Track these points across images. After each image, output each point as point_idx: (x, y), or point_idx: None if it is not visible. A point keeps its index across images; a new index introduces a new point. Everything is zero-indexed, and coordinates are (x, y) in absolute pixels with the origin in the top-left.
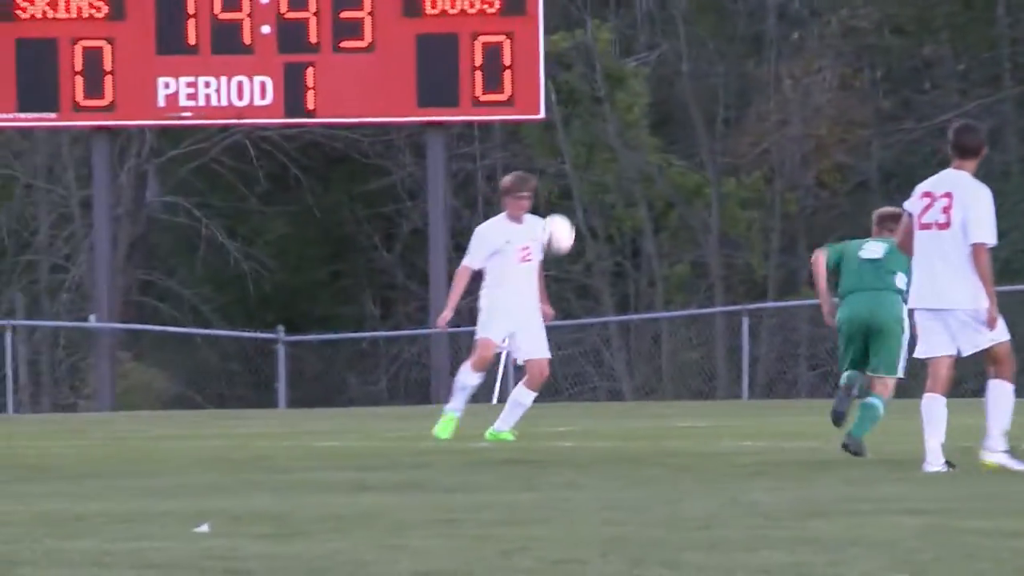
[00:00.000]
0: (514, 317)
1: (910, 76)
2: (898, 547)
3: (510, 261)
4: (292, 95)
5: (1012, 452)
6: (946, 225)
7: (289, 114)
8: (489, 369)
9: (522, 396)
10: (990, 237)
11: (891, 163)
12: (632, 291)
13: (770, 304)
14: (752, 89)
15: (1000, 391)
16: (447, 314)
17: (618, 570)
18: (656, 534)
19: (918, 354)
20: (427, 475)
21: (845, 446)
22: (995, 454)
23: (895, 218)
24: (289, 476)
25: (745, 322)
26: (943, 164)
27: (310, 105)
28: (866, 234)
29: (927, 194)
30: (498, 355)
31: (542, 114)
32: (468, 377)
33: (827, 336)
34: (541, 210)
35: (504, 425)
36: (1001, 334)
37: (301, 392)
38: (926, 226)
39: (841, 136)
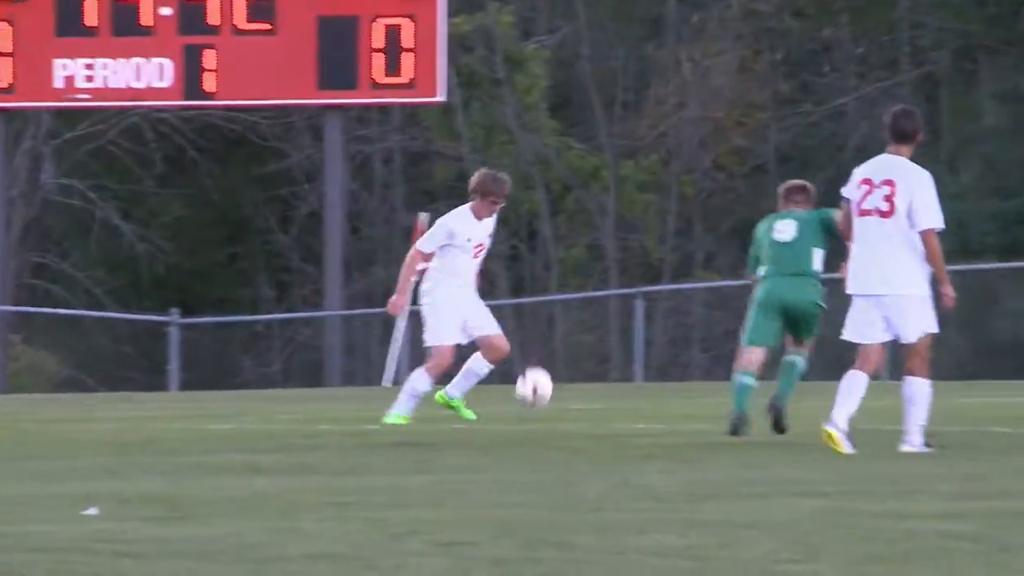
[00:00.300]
0: (462, 308)
1: (809, 59)
2: (791, 529)
3: (466, 257)
4: (191, 77)
5: (929, 439)
6: (889, 213)
7: (188, 96)
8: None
9: (479, 366)
10: (939, 222)
11: (788, 146)
12: (527, 274)
13: (665, 287)
14: (651, 72)
15: (914, 386)
16: (400, 300)
17: (509, 552)
18: (548, 516)
19: (851, 337)
20: (319, 458)
21: (771, 408)
22: (912, 447)
23: (802, 190)
24: (180, 459)
25: (639, 305)
26: (841, 148)
27: (209, 88)
28: (764, 217)
29: (866, 180)
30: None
31: (442, 97)
32: (422, 383)
33: (721, 319)
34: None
35: (456, 392)
36: (927, 327)
37: (194, 375)
38: (867, 212)
39: (739, 119)
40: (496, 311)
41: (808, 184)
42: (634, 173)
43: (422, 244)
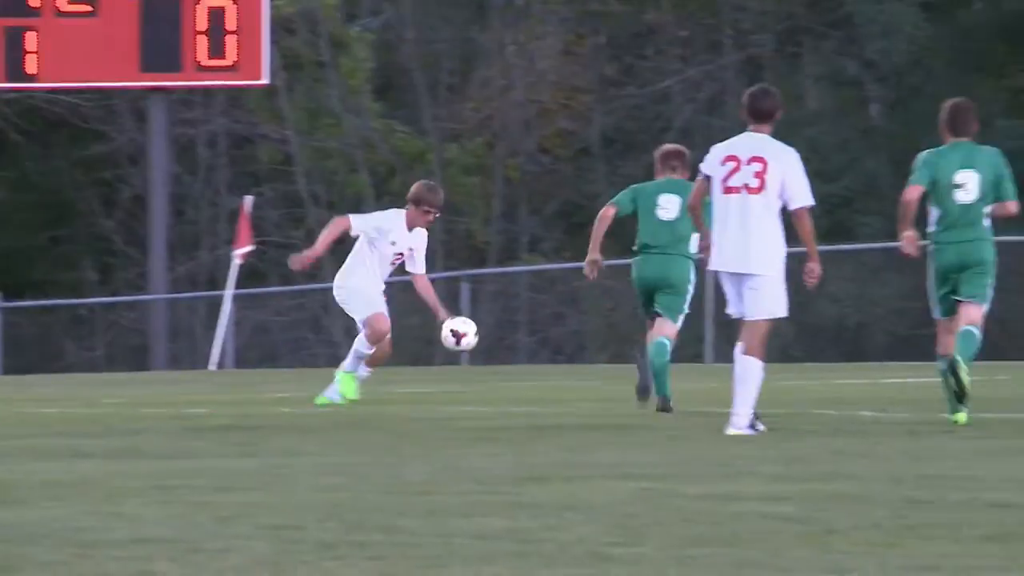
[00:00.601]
0: (375, 288)
1: (633, 42)
2: (615, 512)
3: (384, 257)
4: (12, 59)
5: (756, 419)
6: (759, 189)
7: (10, 79)
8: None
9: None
10: (811, 198)
11: (613, 129)
12: None
13: (490, 270)
14: (476, 55)
15: (747, 367)
16: (311, 255)
17: (335, 536)
18: (374, 500)
19: (735, 313)
20: (144, 441)
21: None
22: (740, 431)
23: (678, 155)
24: (4, 443)
25: (465, 288)
26: (665, 130)
27: (31, 70)
28: (588, 200)
29: (732, 157)
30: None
31: (266, 79)
32: (364, 347)
33: (547, 303)
34: (268, 177)
35: (351, 366)
36: (776, 310)
37: (17, 359)
38: (733, 189)
39: (564, 102)
40: (322, 294)
41: (684, 149)
42: (459, 156)
43: (356, 221)
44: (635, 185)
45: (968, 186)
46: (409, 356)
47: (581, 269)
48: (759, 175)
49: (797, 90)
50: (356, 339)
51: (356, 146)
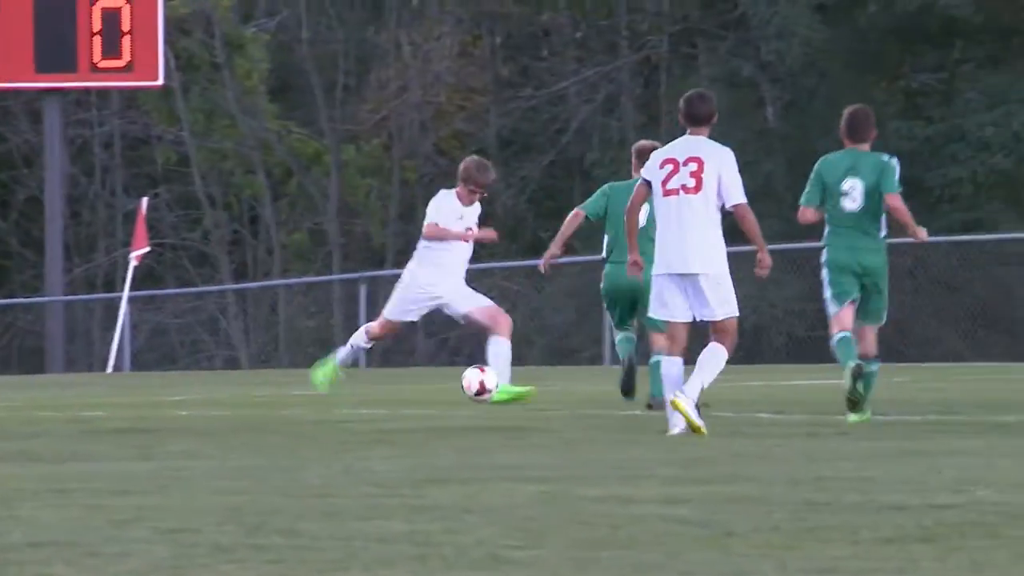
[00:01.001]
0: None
1: (529, 43)
2: (514, 514)
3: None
4: None
5: (699, 408)
6: (696, 189)
7: None
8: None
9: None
10: (745, 196)
11: (509, 130)
12: (250, 259)
13: (388, 272)
14: (372, 56)
15: (715, 352)
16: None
17: (234, 539)
18: (273, 502)
19: (659, 315)
20: (40, 445)
21: (649, 406)
22: (686, 399)
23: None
24: None
25: (363, 290)
26: (561, 131)
27: None
28: (484, 202)
29: (670, 160)
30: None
31: (161, 80)
32: (360, 339)
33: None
34: (164, 178)
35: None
36: (734, 309)
37: None
38: (672, 192)
39: (460, 103)
40: (220, 296)
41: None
42: (356, 158)
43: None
44: (610, 184)
45: (853, 194)
46: (307, 358)
47: (475, 272)
48: (695, 175)
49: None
50: (356, 333)
51: (252, 147)
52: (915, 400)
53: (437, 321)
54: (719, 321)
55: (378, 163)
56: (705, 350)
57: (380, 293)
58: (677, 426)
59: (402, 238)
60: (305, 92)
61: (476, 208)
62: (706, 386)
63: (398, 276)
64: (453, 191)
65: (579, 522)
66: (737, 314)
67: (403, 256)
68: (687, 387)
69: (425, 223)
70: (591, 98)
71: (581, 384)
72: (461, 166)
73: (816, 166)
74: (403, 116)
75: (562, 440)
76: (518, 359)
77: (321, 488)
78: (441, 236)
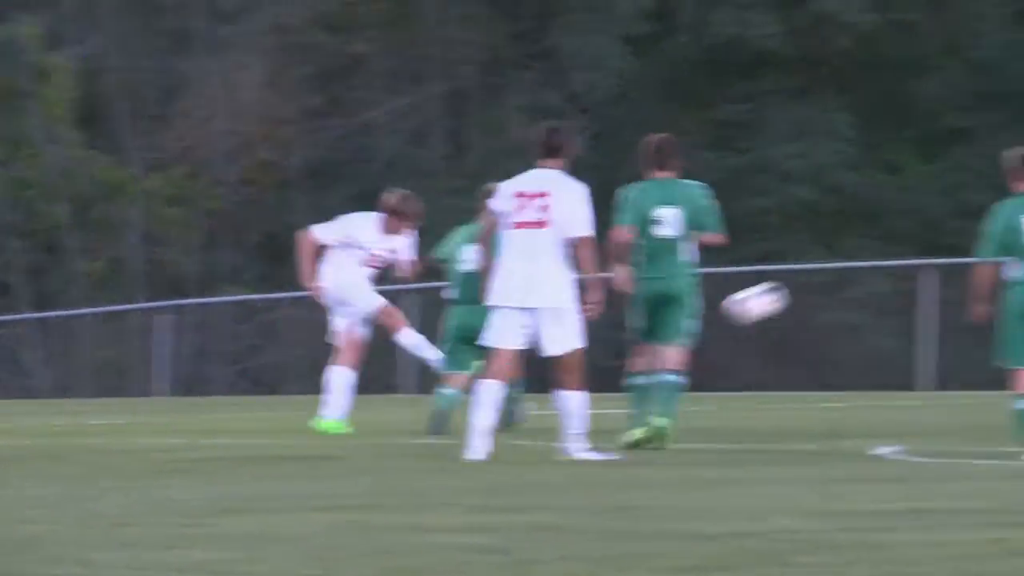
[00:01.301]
0: None
1: (338, 73)
2: (312, 543)
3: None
4: None
5: (596, 448)
6: (543, 223)
7: None
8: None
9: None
10: (592, 230)
11: (317, 160)
12: (50, 288)
13: (190, 301)
14: (179, 85)
15: (569, 399)
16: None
17: (31, 569)
18: (71, 533)
19: (488, 341)
20: None
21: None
22: (584, 454)
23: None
24: None
25: (166, 319)
26: (369, 161)
27: None
28: (290, 231)
29: (520, 194)
30: None
31: None
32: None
33: (244, 333)
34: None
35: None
36: (576, 341)
37: None
38: (521, 224)
39: (267, 133)
40: (17, 326)
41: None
42: (162, 186)
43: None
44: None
45: (667, 222)
46: (105, 388)
47: (281, 301)
48: (544, 208)
49: (500, 122)
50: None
51: (57, 175)
52: (720, 429)
53: (239, 350)
54: (560, 356)
55: (184, 191)
56: (557, 402)
57: (183, 322)
58: (475, 451)
59: (206, 267)
60: (112, 120)
61: (407, 237)
62: (584, 430)
63: (201, 305)
64: (373, 214)
65: (378, 551)
66: (579, 346)
67: (207, 285)
68: (570, 448)
69: None
70: (399, 128)
71: (376, 412)
72: (385, 199)
73: (625, 195)
74: (209, 145)
75: (360, 469)
76: (311, 389)
77: (119, 517)
78: (299, 247)
